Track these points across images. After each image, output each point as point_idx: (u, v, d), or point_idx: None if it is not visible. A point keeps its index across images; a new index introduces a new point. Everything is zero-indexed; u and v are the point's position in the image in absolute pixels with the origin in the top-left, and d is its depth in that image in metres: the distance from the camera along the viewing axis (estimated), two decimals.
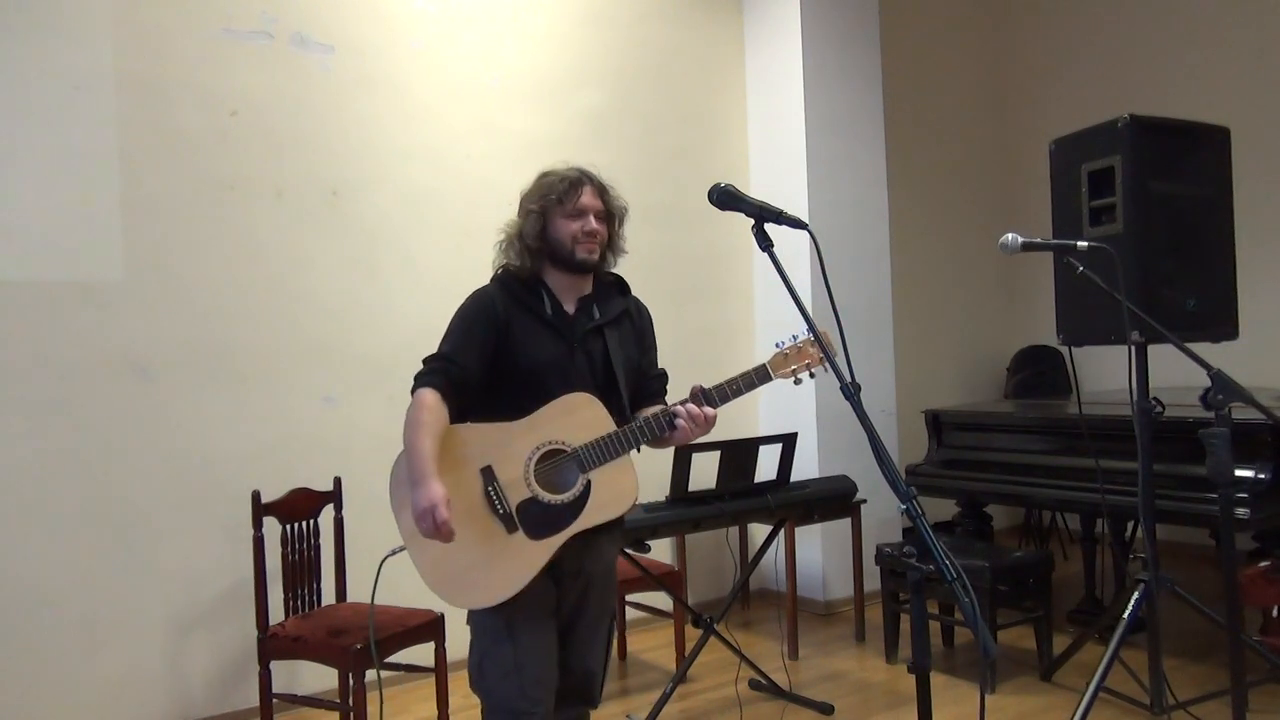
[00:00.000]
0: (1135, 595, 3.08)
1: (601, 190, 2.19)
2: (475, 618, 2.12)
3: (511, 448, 2.04)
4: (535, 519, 2.02)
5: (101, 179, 3.39)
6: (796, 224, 1.79)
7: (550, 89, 4.46)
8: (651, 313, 2.33)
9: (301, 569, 3.27)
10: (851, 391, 1.64)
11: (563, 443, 2.05)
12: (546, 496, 2.03)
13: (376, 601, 3.34)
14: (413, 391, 2.08)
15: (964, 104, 6.39)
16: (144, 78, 3.48)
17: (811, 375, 2.12)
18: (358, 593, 3.47)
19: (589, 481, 2.04)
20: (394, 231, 4.00)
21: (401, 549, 2.05)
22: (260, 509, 3.16)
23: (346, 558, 3.45)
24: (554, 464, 2.06)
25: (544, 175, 2.21)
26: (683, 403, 2.10)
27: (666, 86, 4.86)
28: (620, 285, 2.29)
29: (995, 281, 6.42)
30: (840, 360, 1.78)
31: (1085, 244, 2.81)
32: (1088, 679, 2.98)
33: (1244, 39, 5.30)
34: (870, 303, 5.02)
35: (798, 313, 1.81)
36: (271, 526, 3.19)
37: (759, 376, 2.11)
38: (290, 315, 3.75)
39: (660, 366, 2.34)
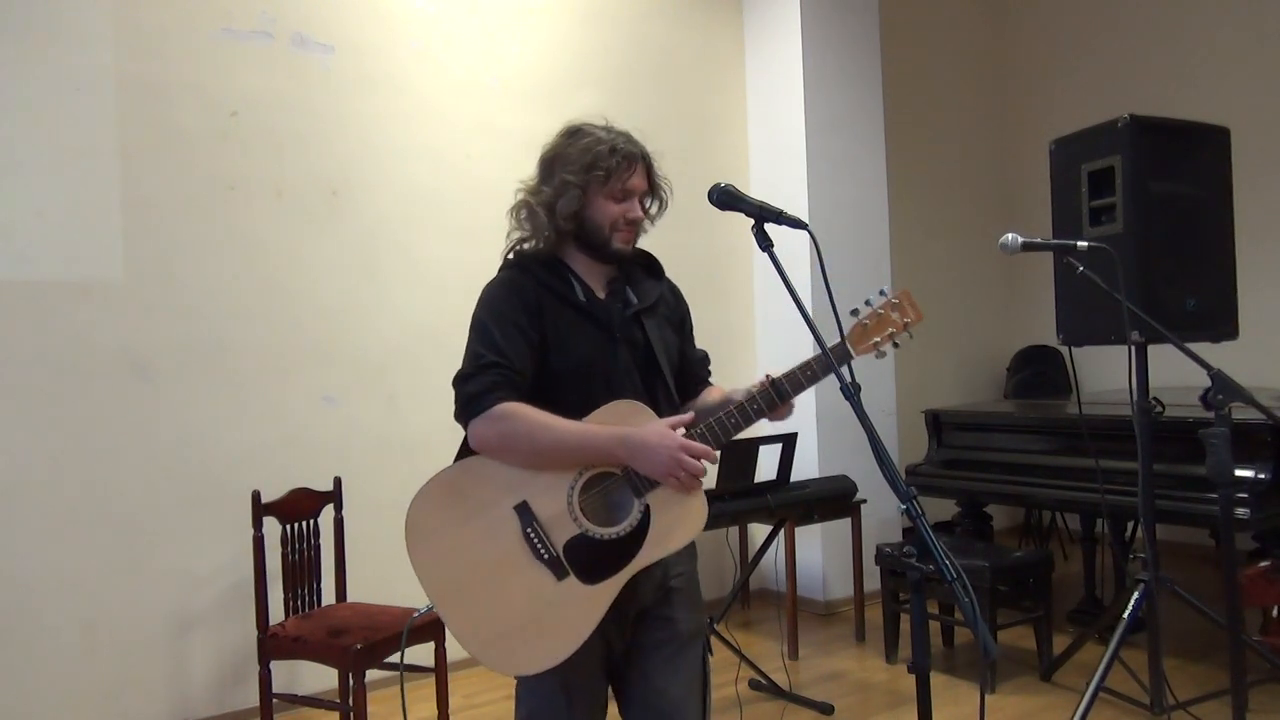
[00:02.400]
0: (1135, 595, 3.08)
1: (649, 168, 1.91)
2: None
3: (547, 475, 1.70)
4: (587, 559, 1.67)
5: (101, 179, 3.39)
6: (796, 224, 1.76)
7: (550, 89, 4.46)
8: None
9: (301, 569, 3.26)
10: (851, 391, 1.63)
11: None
12: (598, 531, 1.68)
13: (375, 601, 3.38)
14: (471, 417, 1.68)
15: (964, 104, 6.38)
16: (144, 78, 3.48)
17: (896, 345, 1.85)
18: (358, 593, 3.48)
19: (647, 507, 1.70)
20: (394, 231, 3.99)
21: (429, 609, 1.76)
22: (260, 509, 3.16)
23: (346, 558, 3.45)
24: (602, 490, 1.72)
25: (580, 135, 1.85)
26: (754, 402, 1.76)
27: (666, 86, 4.86)
28: (650, 267, 1.99)
29: (995, 281, 6.41)
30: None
31: (1085, 244, 2.81)
32: (1088, 679, 2.98)
33: (1244, 39, 5.29)
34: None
35: (798, 313, 1.80)
36: (271, 526, 3.19)
37: (839, 356, 1.76)
38: (290, 315, 3.75)
39: (700, 348, 2.07)
